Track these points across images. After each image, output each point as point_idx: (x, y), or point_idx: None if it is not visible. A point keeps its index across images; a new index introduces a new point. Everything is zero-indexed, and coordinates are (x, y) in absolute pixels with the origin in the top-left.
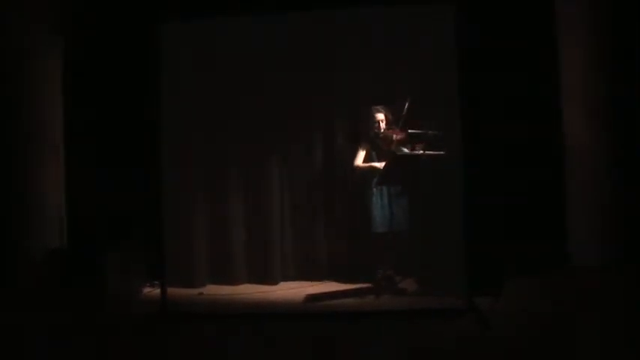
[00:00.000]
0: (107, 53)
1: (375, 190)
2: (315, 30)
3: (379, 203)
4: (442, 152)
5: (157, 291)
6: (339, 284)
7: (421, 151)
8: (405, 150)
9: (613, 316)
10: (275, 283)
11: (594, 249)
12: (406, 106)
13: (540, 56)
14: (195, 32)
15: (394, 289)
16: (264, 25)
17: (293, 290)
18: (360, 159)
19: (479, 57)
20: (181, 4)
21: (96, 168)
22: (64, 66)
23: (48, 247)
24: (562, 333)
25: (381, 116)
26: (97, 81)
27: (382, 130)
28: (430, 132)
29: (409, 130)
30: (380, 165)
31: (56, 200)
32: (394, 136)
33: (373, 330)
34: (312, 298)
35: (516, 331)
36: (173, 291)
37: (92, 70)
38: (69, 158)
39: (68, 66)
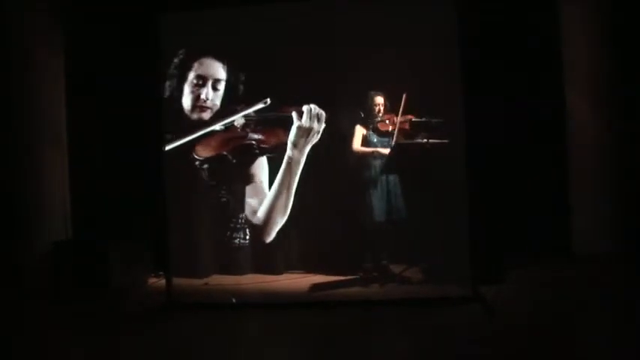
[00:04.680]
0: (109, 49)
1: (376, 177)
2: (315, 18)
3: (380, 192)
4: (446, 141)
5: (162, 282)
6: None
7: (425, 140)
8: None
9: (616, 303)
10: (279, 272)
11: (598, 237)
12: (403, 101)
13: (543, 43)
14: (197, 22)
15: (395, 278)
16: (263, 14)
17: (297, 280)
18: (357, 142)
19: (481, 44)
20: None
21: (100, 161)
22: (66, 63)
23: (53, 240)
24: (565, 320)
25: (380, 100)
26: (99, 77)
27: (381, 115)
28: (434, 120)
29: (413, 119)
30: (382, 150)
31: (61, 194)
32: (394, 120)
33: (378, 318)
34: (317, 287)
35: (520, 319)
36: (178, 281)
37: (95, 66)
38: (73, 152)
39: (71, 63)
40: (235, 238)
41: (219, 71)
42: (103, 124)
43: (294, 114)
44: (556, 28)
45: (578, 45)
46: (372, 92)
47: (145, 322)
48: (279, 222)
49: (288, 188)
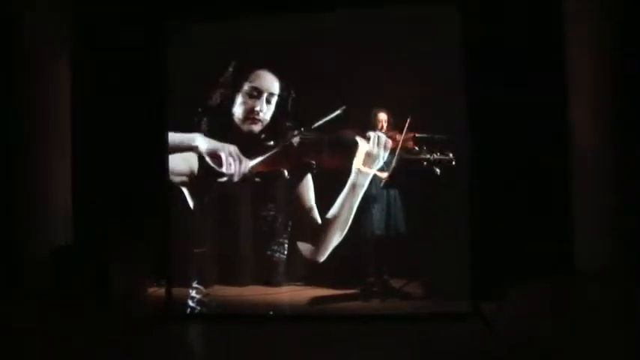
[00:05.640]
0: (115, 53)
1: (377, 192)
2: (318, 32)
3: (381, 206)
4: (448, 156)
5: (162, 291)
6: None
7: (428, 155)
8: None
9: (617, 321)
10: (280, 285)
11: (599, 253)
12: (407, 123)
13: (546, 56)
14: (202, 31)
15: (395, 293)
16: (266, 27)
17: (298, 293)
18: (359, 159)
19: (484, 59)
20: (190, 3)
21: (103, 167)
22: (72, 66)
23: (54, 245)
24: (566, 338)
25: (384, 117)
26: (104, 81)
27: (384, 131)
28: (437, 136)
29: (416, 135)
30: (380, 174)
31: (63, 199)
32: (396, 139)
33: (378, 333)
34: (317, 300)
35: (521, 335)
36: (178, 291)
37: (100, 69)
38: (76, 157)
39: (76, 66)
40: (276, 252)
41: (275, 85)
42: (108, 130)
43: (359, 139)
44: (560, 40)
45: (581, 56)
46: (377, 109)
47: (144, 331)
48: (335, 242)
49: (350, 210)
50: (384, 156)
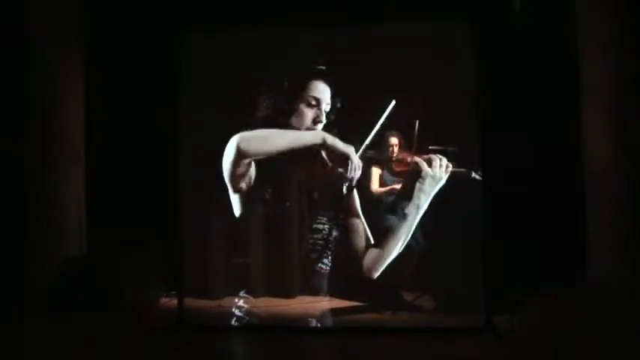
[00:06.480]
0: (130, 65)
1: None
2: (327, 47)
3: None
4: (462, 169)
5: (174, 302)
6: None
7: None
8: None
9: (632, 339)
10: (293, 296)
11: (616, 270)
12: (416, 130)
13: (561, 75)
14: (219, 43)
15: (407, 305)
16: (275, 41)
17: (310, 304)
18: (376, 183)
19: (497, 75)
20: (207, 13)
21: (115, 178)
22: (86, 76)
23: (66, 256)
24: (579, 351)
25: (395, 140)
26: (119, 92)
27: (395, 154)
28: (450, 149)
29: (429, 147)
30: (398, 186)
31: (76, 210)
32: (408, 159)
33: (389, 346)
34: (329, 312)
35: (533, 350)
36: (190, 302)
37: (114, 80)
38: (89, 168)
39: (91, 76)
40: (324, 264)
41: (328, 95)
42: (121, 141)
43: (422, 162)
44: (576, 51)
45: (596, 68)
46: (388, 132)
47: (156, 342)
48: (389, 260)
49: (408, 231)
50: (444, 180)
